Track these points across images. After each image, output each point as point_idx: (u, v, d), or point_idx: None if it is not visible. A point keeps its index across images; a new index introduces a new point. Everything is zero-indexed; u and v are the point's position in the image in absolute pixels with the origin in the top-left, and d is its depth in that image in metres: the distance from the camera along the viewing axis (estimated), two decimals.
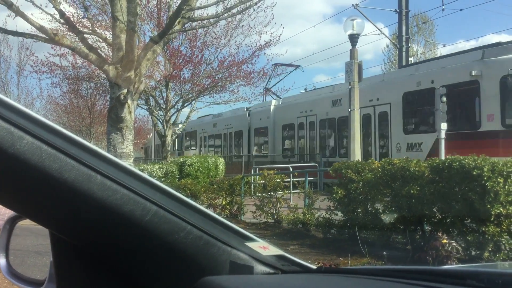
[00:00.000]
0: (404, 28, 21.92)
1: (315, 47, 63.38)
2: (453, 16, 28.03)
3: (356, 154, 11.32)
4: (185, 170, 15.66)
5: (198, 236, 0.95)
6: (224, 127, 26.35)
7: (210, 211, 1.01)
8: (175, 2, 12.58)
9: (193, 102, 20.55)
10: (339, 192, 7.26)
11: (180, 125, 23.70)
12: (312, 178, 12.83)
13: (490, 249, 5.08)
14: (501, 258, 5.00)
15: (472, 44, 63.07)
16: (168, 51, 17.45)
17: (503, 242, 5.09)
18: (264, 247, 1.05)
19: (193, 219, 0.95)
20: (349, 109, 12.46)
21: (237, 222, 9.25)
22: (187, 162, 16.00)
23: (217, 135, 27.72)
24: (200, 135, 29.80)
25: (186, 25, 9.85)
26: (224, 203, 9.81)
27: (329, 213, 7.69)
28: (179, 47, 18.70)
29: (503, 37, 57.62)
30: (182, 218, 0.93)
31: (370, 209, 6.93)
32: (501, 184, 5.07)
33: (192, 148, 30.69)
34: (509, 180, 5.12)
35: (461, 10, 25.64)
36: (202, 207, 0.99)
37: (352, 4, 21.41)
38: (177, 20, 8.52)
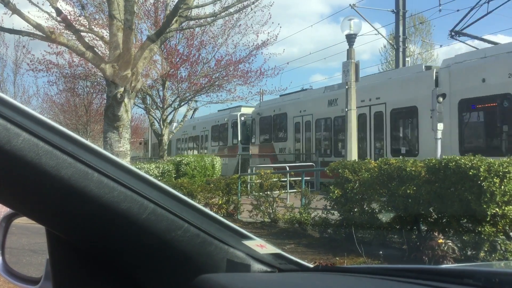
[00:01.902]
0: (401, 28, 21.96)
1: (312, 47, 63.40)
2: (450, 16, 28.06)
3: (353, 154, 11.33)
4: (182, 169, 15.66)
5: (195, 234, 0.95)
6: (361, 104, 14.31)
7: (207, 210, 1.01)
8: (172, 1, 12.57)
9: (190, 101, 20.52)
10: (336, 191, 7.28)
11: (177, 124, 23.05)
12: (308, 178, 12.81)
13: (486, 249, 5.10)
14: (496, 258, 5.01)
15: (476, 43, 63.25)
16: (165, 50, 17.42)
17: (499, 242, 5.11)
18: (261, 246, 1.05)
19: (190, 217, 0.94)
20: (346, 109, 12.47)
21: (234, 221, 9.25)
22: (183, 161, 16.00)
23: (337, 119, 16.69)
24: (296, 120, 19.20)
25: (183, 24, 9.83)
26: (220, 202, 9.81)
27: (325, 212, 7.70)
28: (176, 46, 18.68)
29: (500, 38, 57.74)
30: (179, 216, 0.93)
31: (366, 208, 6.95)
32: (497, 184, 5.08)
33: (280, 140, 20.43)
34: (505, 180, 5.13)
35: (458, 10, 25.73)
36: (199, 205, 0.99)
37: (350, 4, 21.46)
38: (174, 19, 8.50)
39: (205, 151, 26.22)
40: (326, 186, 7.75)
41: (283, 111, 20.24)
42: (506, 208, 5.07)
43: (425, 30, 32.96)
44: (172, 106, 19.88)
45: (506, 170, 5.17)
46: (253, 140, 22.59)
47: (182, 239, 0.93)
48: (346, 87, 12.88)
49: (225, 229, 1.01)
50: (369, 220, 6.70)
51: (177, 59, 18.17)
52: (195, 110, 23.53)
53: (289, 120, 19.78)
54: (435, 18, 44.08)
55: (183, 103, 20.23)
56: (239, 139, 23.52)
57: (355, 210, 7.08)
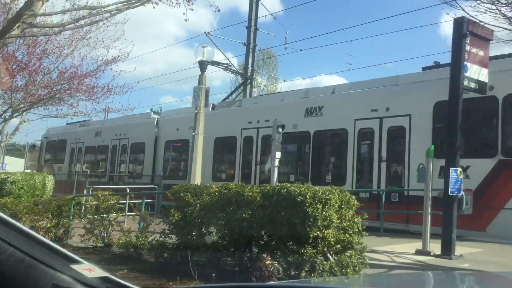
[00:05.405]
0: (250, 60, 23.34)
1: (165, 68, 62.89)
2: (293, 55, 30.93)
3: (197, 177, 11.46)
4: (6, 188, 14.02)
5: (20, 259, 0.91)
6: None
7: (34, 233, 0.99)
8: (16, 5, 11.38)
9: (25, 113, 18.67)
10: (176, 215, 7.26)
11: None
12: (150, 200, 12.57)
13: (306, 269, 5.55)
14: (315, 277, 5.47)
15: (307, 82, 70.10)
16: (0, 55, 15.67)
17: (318, 262, 5.61)
18: (90, 269, 1.04)
19: (16, 241, 0.91)
20: (194, 133, 12.65)
21: (63, 246, 8.52)
22: (9, 179, 14.36)
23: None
24: None
25: (26, 31, 9.01)
26: (49, 225, 8.98)
27: (163, 236, 7.59)
28: (14, 52, 16.95)
29: (334, 78, 65.17)
30: (3, 239, 0.88)
31: (204, 232, 7.06)
32: (319, 210, 5.60)
33: None
34: (326, 206, 5.69)
35: (301, 50, 28.33)
36: (26, 228, 0.96)
37: (205, 32, 22.16)
38: (17, 25, 7.76)
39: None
40: (166, 209, 7.67)
41: None
42: (325, 232, 5.60)
43: (272, 65, 35.38)
44: (3, 116, 17.88)
45: (328, 198, 5.74)
46: None
47: (5, 263, 0.89)
48: (196, 111, 13.11)
49: (52, 253, 0.99)
50: (206, 243, 6.80)
51: (14, 66, 16.49)
52: None
53: None
54: (281, 55, 47.77)
55: (15, 114, 18.31)
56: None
57: (194, 233, 7.14)
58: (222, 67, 22.40)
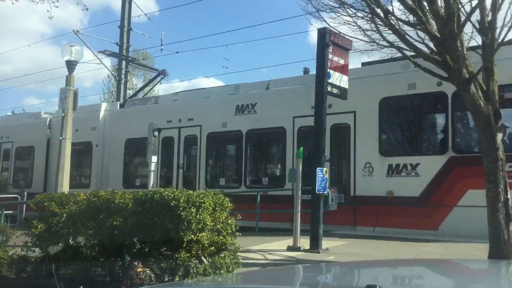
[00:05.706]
0: (124, 61, 22.47)
1: (29, 67, 57.05)
2: (170, 57, 30.48)
3: (64, 185, 10.72)
4: None
5: None
6: None
7: None
8: None
9: None
10: (39, 226, 6.74)
11: None
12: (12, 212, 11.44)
13: (180, 273, 5.53)
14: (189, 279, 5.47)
15: (185, 84, 69.73)
16: None
17: (192, 266, 5.62)
18: None
19: None
20: (60, 138, 11.81)
21: None
22: None
23: None
24: None
25: None
26: None
27: (25, 249, 6.98)
28: None
29: (212, 81, 65.78)
30: None
31: (72, 243, 6.65)
32: (193, 213, 5.61)
33: None
34: (200, 210, 5.72)
35: (177, 52, 28.00)
36: None
37: (73, 30, 20.78)
38: None
39: None
40: (28, 221, 7.07)
41: None
42: (199, 235, 5.63)
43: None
44: None
45: (202, 201, 5.78)
46: None
47: None
48: (63, 114, 12.24)
49: None
50: (73, 254, 6.42)
51: None
52: None
53: None
54: (157, 57, 46.69)
55: None
56: None
57: (60, 245, 6.67)
58: (136, 64, 21.43)
